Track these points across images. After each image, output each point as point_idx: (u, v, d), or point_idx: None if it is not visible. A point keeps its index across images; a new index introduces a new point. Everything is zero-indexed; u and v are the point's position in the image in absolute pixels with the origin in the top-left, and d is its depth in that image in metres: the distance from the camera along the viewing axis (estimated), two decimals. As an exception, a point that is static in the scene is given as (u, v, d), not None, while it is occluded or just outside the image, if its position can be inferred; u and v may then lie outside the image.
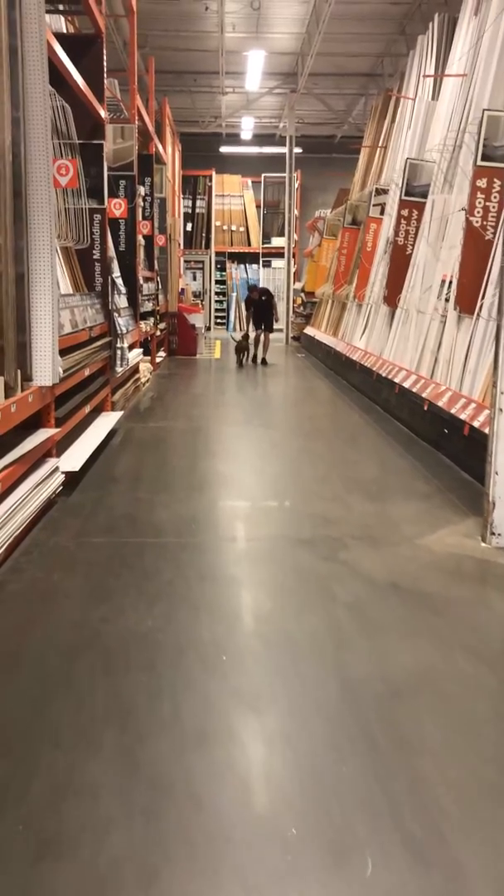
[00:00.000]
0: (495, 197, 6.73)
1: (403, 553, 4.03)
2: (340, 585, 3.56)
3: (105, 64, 6.64)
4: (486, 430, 5.42)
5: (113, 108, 9.71)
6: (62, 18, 6.81)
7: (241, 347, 13.32)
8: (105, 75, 6.67)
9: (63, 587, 3.56)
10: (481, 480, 5.46)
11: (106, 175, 6.81)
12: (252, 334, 13.62)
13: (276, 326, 14.09)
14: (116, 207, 8.09)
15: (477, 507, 4.84)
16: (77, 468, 5.16)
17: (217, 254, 21.82)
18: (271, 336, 13.68)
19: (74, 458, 5.37)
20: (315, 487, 5.29)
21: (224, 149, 21.30)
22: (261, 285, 17.05)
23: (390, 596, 3.46)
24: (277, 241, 21.61)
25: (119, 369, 7.44)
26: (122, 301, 8.20)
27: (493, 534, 4.18)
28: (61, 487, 4.88)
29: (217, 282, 22.02)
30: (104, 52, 6.54)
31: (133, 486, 5.30)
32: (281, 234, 21.50)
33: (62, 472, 4.93)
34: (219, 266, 21.96)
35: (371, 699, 2.61)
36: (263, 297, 13.61)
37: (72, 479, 5.15)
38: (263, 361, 13.33)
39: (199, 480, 5.59)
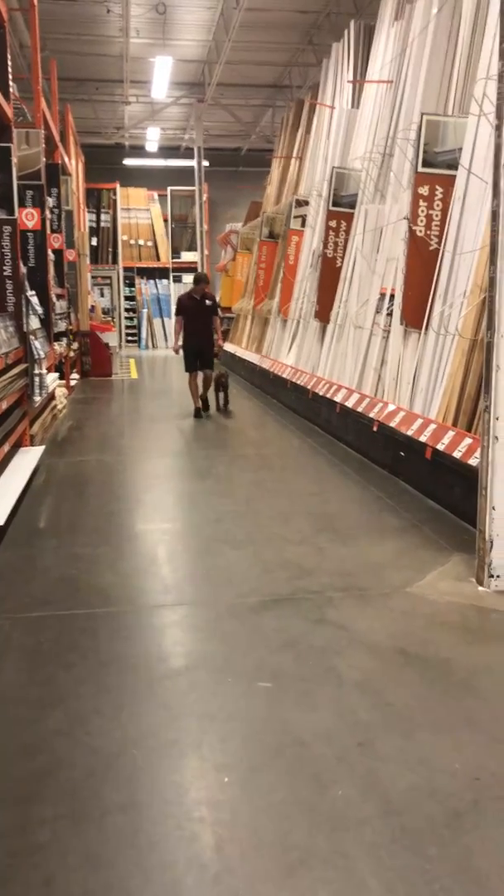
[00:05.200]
0: (438, 205, 6.40)
1: (399, 606, 3.51)
2: (342, 658, 2.99)
3: (9, 57, 5.90)
4: (455, 454, 5.03)
5: (14, 113, 8.89)
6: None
7: (218, 383, 9.51)
8: (10, 70, 5.93)
9: (0, 687, 2.83)
10: (453, 510, 5.06)
11: (15, 182, 6.05)
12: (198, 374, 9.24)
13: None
14: (28, 218, 7.28)
15: (457, 541, 4.40)
16: (1, 522, 4.39)
17: (125, 269, 21.03)
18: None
19: (-4, 508, 4.60)
20: (277, 528, 4.71)
21: (128, 161, 20.58)
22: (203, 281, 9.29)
23: (403, 668, 2.92)
24: (187, 256, 21.04)
25: (37, 398, 6.65)
26: (34, 322, 7.40)
27: (491, 576, 3.72)
28: (-17, 547, 4.12)
29: (126, 298, 21.22)
30: (7, 42, 5.80)
31: (68, 539, 4.57)
32: (190, 249, 20.96)
33: (-16, 529, 4.17)
34: (127, 282, 21.17)
35: (427, 828, 2.04)
36: (207, 301, 9.05)
37: (-6, 534, 4.39)
38: (207, 407, 9.30)
39: (142, 527, 4.91)
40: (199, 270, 10.57)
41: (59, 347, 9.73)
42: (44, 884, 1.87)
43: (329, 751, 2.39)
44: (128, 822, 2.09)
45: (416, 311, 6.36)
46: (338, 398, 7.54)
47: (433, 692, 2.75)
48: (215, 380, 9.44)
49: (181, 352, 9.14)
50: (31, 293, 6.78)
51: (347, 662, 2.95)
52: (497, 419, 3.66)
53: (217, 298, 16.54)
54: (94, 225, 20.35)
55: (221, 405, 9.58)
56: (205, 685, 2.82)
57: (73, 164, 13.95)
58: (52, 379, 8.24)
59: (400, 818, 2.09)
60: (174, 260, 21.26)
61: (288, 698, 2.71)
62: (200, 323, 8.98)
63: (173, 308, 20.82)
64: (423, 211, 6.39)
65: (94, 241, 20.27)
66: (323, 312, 8.94)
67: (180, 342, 9.11)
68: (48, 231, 8.35)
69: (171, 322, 20.88)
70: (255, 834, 2.04)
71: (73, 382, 11.83)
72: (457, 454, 4.93)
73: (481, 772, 2.30)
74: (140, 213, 21.27)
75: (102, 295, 20.68)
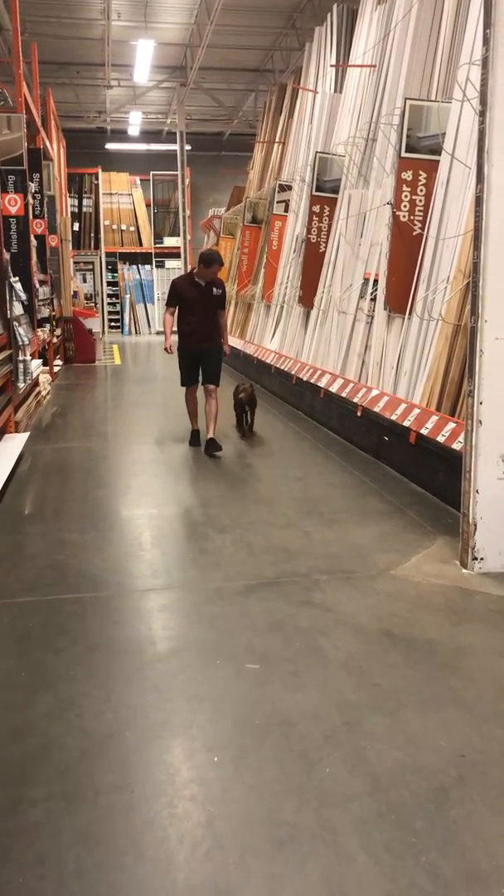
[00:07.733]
0: (421, 190, 6.42)
1: (384, 588, 3.56)
2: (327, 639, 3.04)
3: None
4: (439, 438, 5.08)
5: (-6, 96, 8.80)
6: None
7: (242, 402, 7.16)
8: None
9: (-10, 672, 2.84)
10: (437, 493, 5.11)
11: (-3, 167, 6.00)
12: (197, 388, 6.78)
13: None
14: (12, 204, 7.22)
15: (441, 524, 4.46)
16: (-13, 508, 4.39)
17: (107, 254, 20.88)
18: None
19: (-18, 495, 4.59)
20: (263, 512, 4.74)
21: (110, 145, 20.40)
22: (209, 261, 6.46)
23: (389, 649, 2.96)
24: (170, 241, 20.93)
25: (21, 384, 6.63)
26: (17, 308, 7.36)
27: (475, 559, 3.78)
28: (-30, 534, 4.12)
29: (109, 283, 21.09)
30: (-12, 25, 5.72)
31: (55, 525, 4.57)
32: (173, 234, 20.83)
33: (-30, 516, 4.17)
34: (110, 267, 21.03)
35: (413, 804, 2.09)
36: (215, 290, 6.42)
37: (-20, 521, 4.39)
38: (213, 445, 6.32)
39: (129, 512, 4.93)
40: (206, 249, 7.88)
41: (43, 333, 9.67)
42: (38, 862, 1.90)
43: (317, 730, 2.44)
44: (121, 801, 2.12)
45: (399, 297, 6.39)
46: (322, 383, 7.57)
47: (418, 672, 2.80)
48: (239, 399, 7.10)
49: (177, 356, 6.62)
50: (14, 279, 6.73)
51: (334, 644, 3.00)
52: (481, 403, 3.70)
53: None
54: (76, 210, 20.19)
55: (246, 427, 7.20)
56: (194, 667, 2.85)
57: (55, 148, 13.80)
58: (35, 365, 8.21)
59: (387, 794, 2.14)
60: (157, 245, 21.14)
61: (276, 679, 2.75)
62: (202, 317, 6.39)
63: (157, 293, 20.90)
64: (406, 196, 6.40)
65: (77, 227, 20.11)
66: (307, 298, 8.95)
67: (172, 340, 6.58)
68: (31, 216, 8.27)
69: (155, 308, 20.96)
70: (245, 811, 2.08)
71: (56, 369, 11.77)
72: (441, 438, 4.98)
73: (466, 748, 2.35)
74: (122, 197, 21.11)
75: (85, 280, 20.54)
